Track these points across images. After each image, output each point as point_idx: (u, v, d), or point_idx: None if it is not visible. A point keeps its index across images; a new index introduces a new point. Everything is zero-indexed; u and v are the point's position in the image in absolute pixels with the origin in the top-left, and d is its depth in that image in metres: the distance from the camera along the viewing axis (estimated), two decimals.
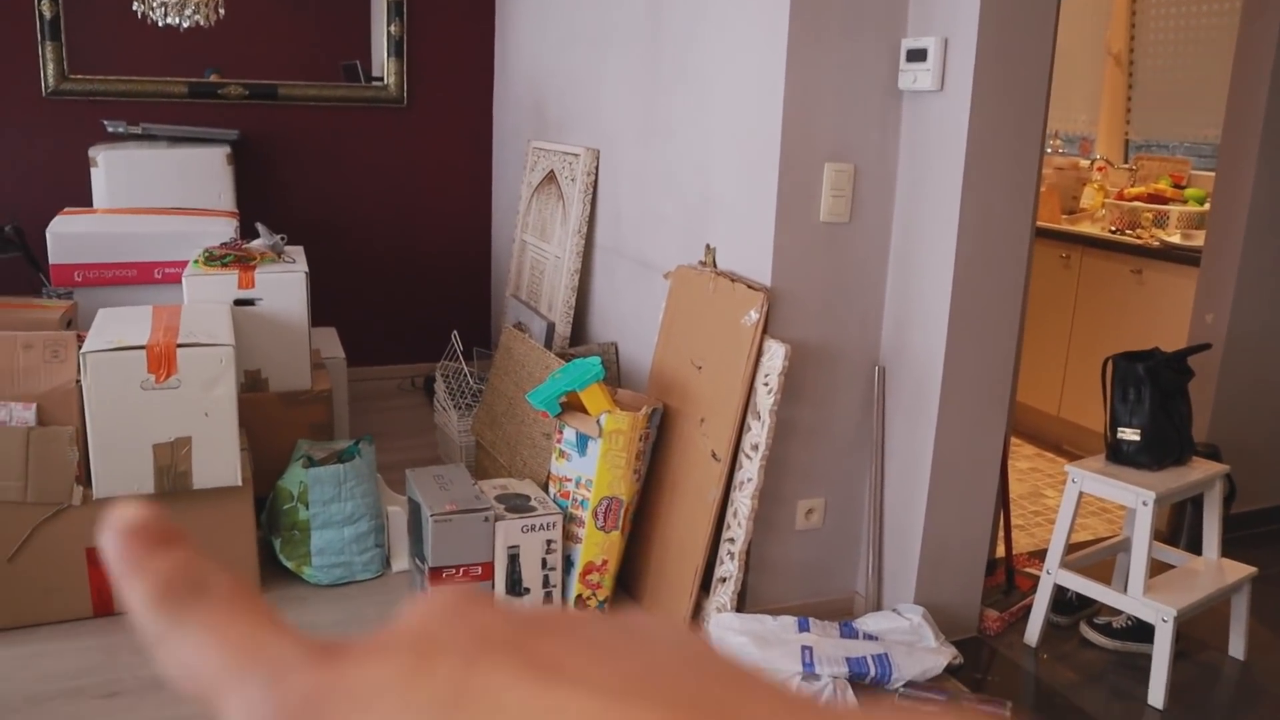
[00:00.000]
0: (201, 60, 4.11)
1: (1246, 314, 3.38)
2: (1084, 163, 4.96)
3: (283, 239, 3.27)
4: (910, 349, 2.57)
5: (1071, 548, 2.70)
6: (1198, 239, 3.84)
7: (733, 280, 2.57)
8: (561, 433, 2.68)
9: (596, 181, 3.43)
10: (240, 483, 2.62)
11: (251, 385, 3.04)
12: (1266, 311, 3.42)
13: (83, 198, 3.66)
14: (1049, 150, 4.40)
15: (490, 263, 4.71)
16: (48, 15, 3.84)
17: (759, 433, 2.45)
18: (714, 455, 2.53)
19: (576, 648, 0.20)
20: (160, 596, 0.23)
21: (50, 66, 3.89)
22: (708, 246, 2.76)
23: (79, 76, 3.94)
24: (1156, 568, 2.60)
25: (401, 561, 2.89)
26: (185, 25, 3.75)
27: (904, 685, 2.36)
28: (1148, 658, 2.51)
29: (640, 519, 2.76)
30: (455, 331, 3.76)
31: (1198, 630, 2.76)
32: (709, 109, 2.76)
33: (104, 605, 2.62)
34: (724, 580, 2.55)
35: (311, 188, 4.34)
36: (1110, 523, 3.52)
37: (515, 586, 2.64)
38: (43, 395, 2.49)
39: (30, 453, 2.48)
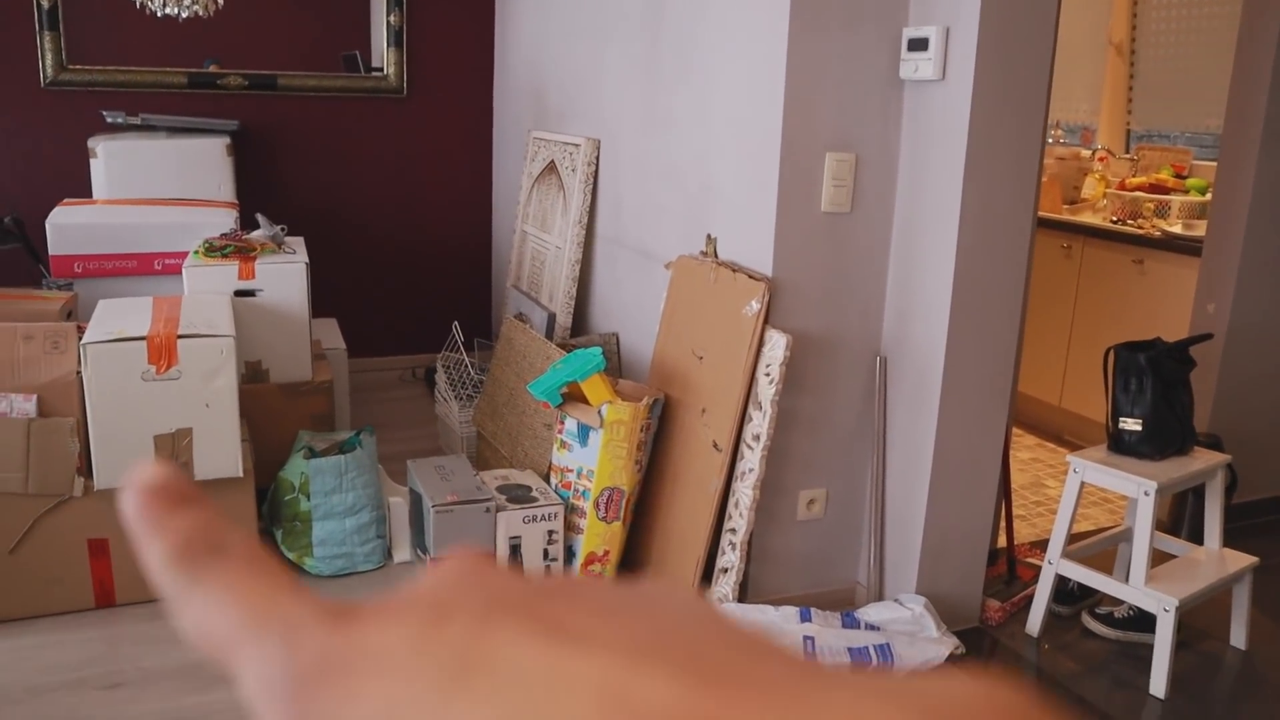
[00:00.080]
0: (201, 51, 4.10)
1: (1248, 304, 3.38)
2: (1085, 152, 4.95)
3: (283, 230, 3.26)
4: (912, 339, 2.57)
5: (1073, 538, 2.70)
6: (1199, 229, 3.83)
7: (734, 270, 2.57)
8: (563, 423, 2.68)
9: (597, 172, 3.42)
10: (241, 474, 2.62)
11: (252, 376, 3.04)
12: (1268, 301, 3.41)
13: (82, 189, 3.65)
14: (1050, 140, 4.39)
15: (491, 253, 4.70)
16: (46, 5, 3.83)
17: (760, 423, 2.45)
18: (715, 445, 2.53)
19: (586, 610, 0.20)
20: (178, 555, 0.24)
21: (49, 57, 3.88)
22: (709, 237, 2.76)
23: (78, 67, 3.93)
24: (1158, 558, 2.60)
25: (403, 552, 2.89)
26: (184, 15, 3.74)
27: None
28: (1149, 647, 2.51)
29: (642, 509, 2.76)
30: (456, 322, 3.76)
31: (1199, 620, 2.76)
32: (710, 99, 2.75)
33: (105, 597, 2.63)
34: (726, 571, 2.55)
35: (312, 178, 4.33)
36: (1112, 513, 3.52)
37: None
38: (43, 387, 2.49)
39: (31, 444, 2.48)
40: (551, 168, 3.67)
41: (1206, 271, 3.45)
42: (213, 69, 4.12)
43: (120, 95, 3.98)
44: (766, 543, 2.65)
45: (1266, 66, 3.22)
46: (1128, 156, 4.85)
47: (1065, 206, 4.65)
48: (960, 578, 2.69)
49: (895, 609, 2.56)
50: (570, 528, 2.69)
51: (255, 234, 3.21)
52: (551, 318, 3.48)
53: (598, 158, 3.42)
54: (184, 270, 3.00)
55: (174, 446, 2.54)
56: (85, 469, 2.53)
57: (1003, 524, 3.04)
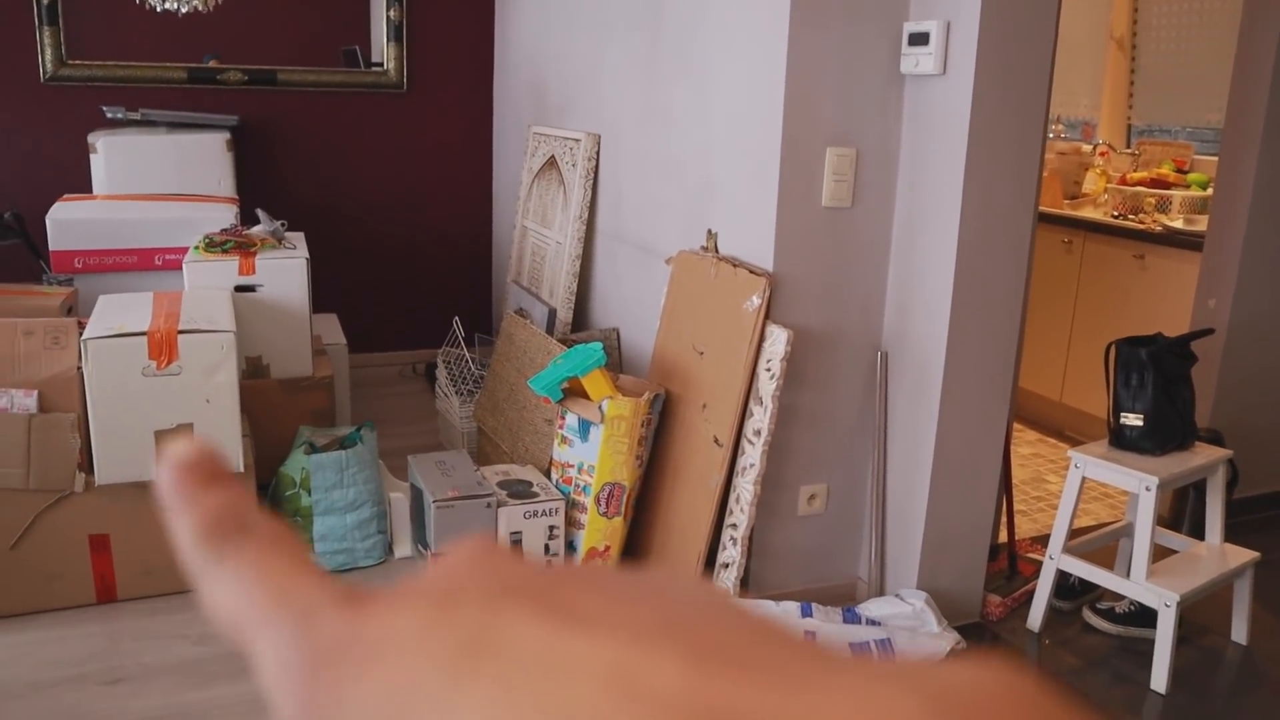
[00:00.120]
0: (200, 46, 4.10)
1: (1249, 299, 3.38)
2: (1086, 147, 4.95)
3: (283, 225, 3.26)
4: (912, 334, 2.57)
5: (1074, 533, 2.70)
6: (1200, 224, 3.83)
7: (734, 265, 2.57)
8: (564, 418, 2.68)
9: (597, 167, 3.42)
10: (242, 469, 2.62)
11: (253, 372, 3.04)
12: (1269, 296, 3.41)
13: (82, 184, 3.65)
14: (1051, 135, 4.39)
15: (491, 249, 4.70)
16: (45, 1, 3.82)
17: (761, 418, 2.45)
18: (716, 441, 2.53)
19: (595, 595, 0.20)
20: (206, 532, 0.24)
21: (48, 52, 3.87)
22: (709, 231, 2.75)
23: (77, 62, 3.92)
24: (1159, 553, 2.60)
25: (404, 548, 2.89)
26: (184, 10, 3.74)
27: None
28: (1150, 642, 2.51)
29: (642, 505, 2.76)
30: (457, 318, 3.76)
31: (1200, 615, 2.76)
32: (711, 93, 2.75)
33: (107, 592, 2.63)
34: (727, 566, 2.55)
35: (312, 173, 4.33)
36: (1113, 508, 3.52)
37: None
38: (44, 382, 2.49)
39: (32, 440, 2.48)
40: (552, 163, 3.66)
41: (1208, 266, 3.45)
42: (212, 64, 4.11)
43: (120, 90, 3.98)
44: (767, 538, 2.65)
45: (1268, 61, 3.21)
46: (1129, 151, 4.84)
47: (1066, 201, 4.65)
48: (961, 573, 2.69)
49: (896, 604, 2.56)
50: (571, 523, 2.69)
51: (255, 229, 3.21)
52: (552, 313, 3.48)
53: (598, 153, 3.41)
54: (184, 266, 3.00)
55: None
56: (86, 464, 2.53)
57: (1004, 519, 3.04)
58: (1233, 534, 2.78)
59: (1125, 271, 4.05)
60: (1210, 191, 3.70)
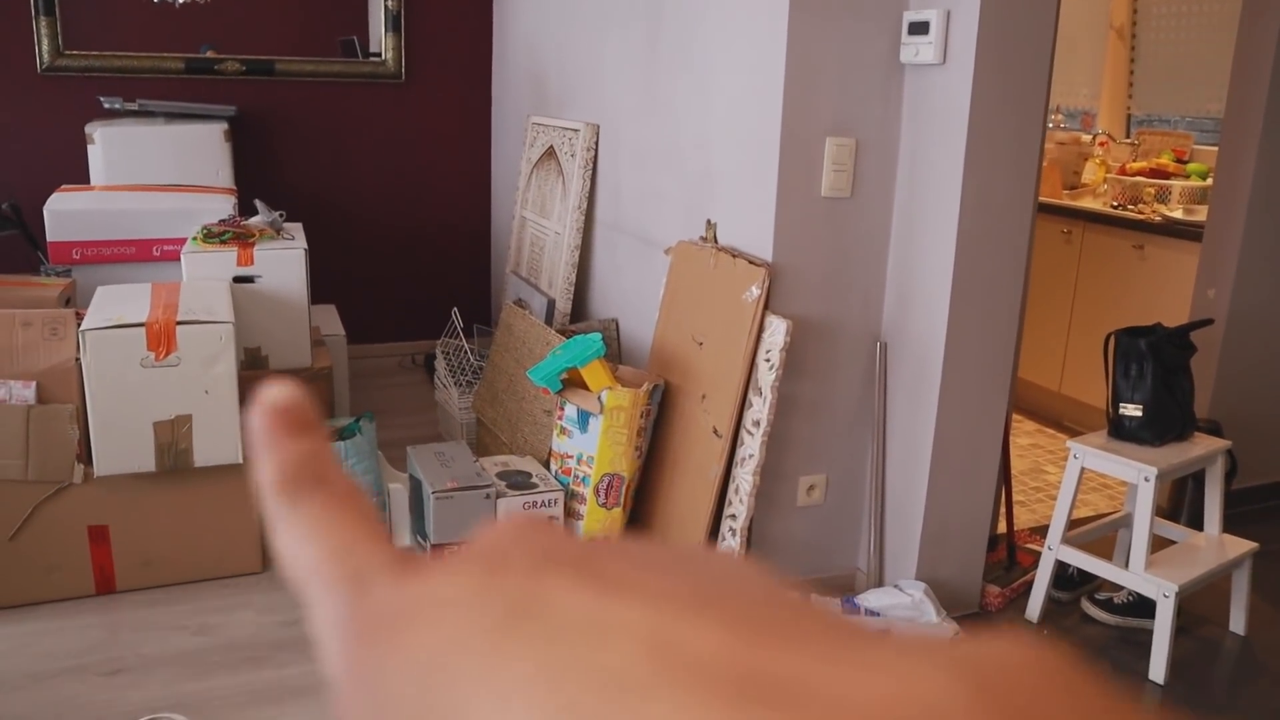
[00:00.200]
0: (197, 36, 4.08)
1: (1248, 289, 3.37)
2: (1086, 137, 4.94)
3: (281, 215, 3.25)
4: (912, 324, 2.56)
5: (1073, 523, 2.70)
6: (1200, 214, 3.82)
7: (734, 256, 2.56)
8: (563, 409, 2.68)
9: (596, 157, 3.41)
10: (241, 460, 2.62)
11: (251, 363, 3.03)
12: (1269, 286, 3.41)
13: (80, 175, 3.64)
14: (1051, 125, 4.38)
15: (490, 239, 4.69)
16: None
17: (760, 409, 2.45)
18: (715, 431, 2.53)
19: (638, 566, 0.21)
20: (283, 479, 0.25)
21: (45, 42, 3.86)
22: (709, 222, 2.75)
23: (74, 53, 3.91)
24: (1158, 543, 2.60)
25: (403, 539, 2.89)
26: (180, 0, 3.72)
27: None
28: (1149, 633, 2.51)
29: (642, 496, 2.76)
30: (455, 308, 3.75)
31: (1199, 605, 2.76)
32: (710, 83, 2.74)
33: (106, 583, 2.63)
34: None
35: (310, 164, 4.32)
36: (1112, 498, 3.52)
37: None
38: (42, 373, 2.48)
39: (30, 431, 2.48)
40: (551, 153, 3.65)
41: (1207, 256, 3.45)
42: (210, 54, 4.10)
43: (117, 81, 3.96)
44: (766, 529, 2.65)
45: (1268, 51, 3.20)
46: (1128, 141, 4.83)
47: (1065, 191, 4.64)
48: (960, 563, 2.69)
49: (895, 595, 2.57)
50: (570, 514, 2.69)
51: (254, 220, 3.20)
52: (551, 304, 3.48)
53: (597, 143, 3.40)
54: (182, 256, 3.00)
55: (174, 433, 2.54)
56: (85, 455, 2.53)
57: (1002, 510, 3.04)
58: (1231, 524, 2.78)
59: (1124, 262, 4.05)
60: (1210, 182, 3.69)
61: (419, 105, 4.43)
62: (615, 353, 3.24)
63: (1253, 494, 3.45)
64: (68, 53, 3.90)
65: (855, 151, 2.49)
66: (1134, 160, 4.55)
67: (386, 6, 4.27)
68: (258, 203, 3.27)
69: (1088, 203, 4.45)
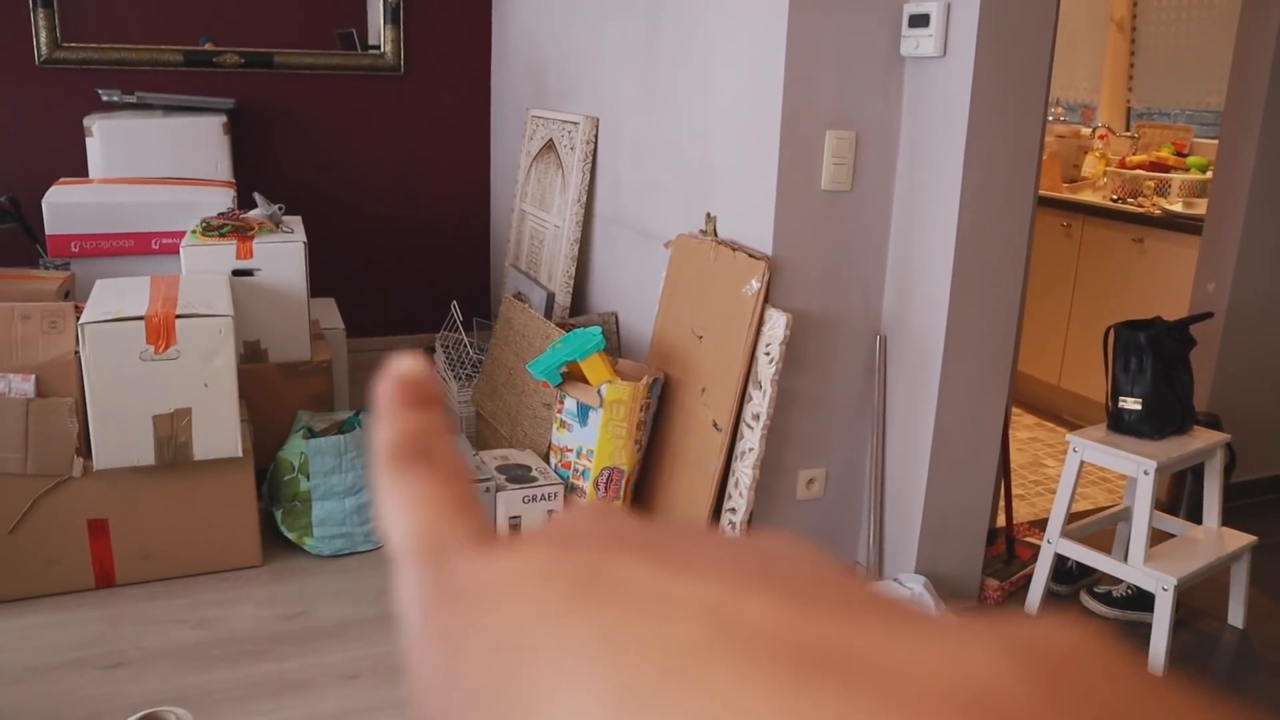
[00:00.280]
0: (196, 28, 4.07)
1: (1248, 283, 3.37)
2: (1086, 130, 4.93)
3: (280, 209, 3.25)
4: (912, 318, 2.56)
5: (1072, 517, 2.70)
6: (1200, 207, 3.82)
7: (734, 249, 2.56)
8: (562, 403, 2.68)
9: (596, 150, 3.41)
10: (241, 454, 2.62)
11: (251, 356, 3.03)
12: (1268, 280, 3.41)
13: (78, 168, 3.63)
14: (1051, 118, 4.37)
15: (489, 232, 4.69)
16: None
17: (760, 402, 2.45)
18: (715, 425, 2.53)
19: (704, 549, 0.22)
20: (394, 450, 0.25)
21: (43, 35, 3.85)
22: (708, 215, 2.75)
23: (72, 45, 3.90)
24: (1156, 537, 2.60)
25: None
26: None
27: None
28: (1147, 626, 2.52)
29: (641, 489, 2.76)
30: (455, 302, 3.75)
31: (1197, 599, 2.77)
32: (710, 76, 2.74)
33: (105, 577, 2.63)
34: None
35: (309, 157, 4.31)
36: (1111, 492, 3.53)
37: None
38: (41, 366, 2.48)
39: (30, 424, 2.48)
40: (550, 146, 3.65)
41: (1207, 250, 3.45)
42: (208, 47, 4.09)
43: (116, 73, 3.96)
44: (766, 522, 2.65)
45: (1268, 44, 3.20)
46: (1128, 134, 4.83)
47: (1065, 185, 4.64)
48: (959, 557, 2.69)
49: (894, 588, 2.57)
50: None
51: (253, 213, 3.19)
52: (550, 297, 3.47)
53: (597, 136, 3.40)
54: (181, 250, 2.99)
55: (173, 426, 2.54)
56: (84, 449, 2.53)
57: (1002, 503, 3.04)
58: (1230, 518, 2.78)
59: (1124, 255, 4.04)
60: (1210, 175, 3.69)
61: (418, 98, 4.42)
62: (615, 346, 3.24)
63: (1252, 487, 3.45)
64: (66, 45, 3.89)
65: (855, 144, 2.49)
66: (1134, 153, 4.55)
67: None
68: (257, 196, 3.26)
69: (1087, 196, 4.45)
